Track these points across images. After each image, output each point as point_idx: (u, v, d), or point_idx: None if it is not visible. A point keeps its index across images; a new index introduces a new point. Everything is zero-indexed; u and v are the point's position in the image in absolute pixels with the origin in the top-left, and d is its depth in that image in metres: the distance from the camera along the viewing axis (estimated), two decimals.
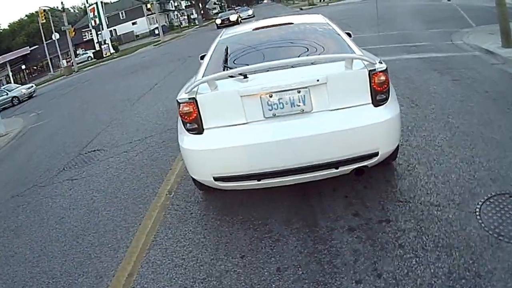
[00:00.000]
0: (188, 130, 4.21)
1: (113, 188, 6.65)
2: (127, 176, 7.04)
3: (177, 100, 4.25)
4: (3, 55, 72.34)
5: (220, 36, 5.77)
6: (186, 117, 4.15)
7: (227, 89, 4.12)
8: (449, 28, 15.33)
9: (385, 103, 4.01)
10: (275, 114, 4.00)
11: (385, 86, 3.98)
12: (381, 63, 4.06)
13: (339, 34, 4.90)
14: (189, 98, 4.10)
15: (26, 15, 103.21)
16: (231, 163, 4.05)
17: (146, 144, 8.46)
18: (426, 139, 5.81)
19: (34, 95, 34.35)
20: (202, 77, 4.37)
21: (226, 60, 4.63)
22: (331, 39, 4.83)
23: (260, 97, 3.99)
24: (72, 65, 49.98)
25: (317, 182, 4.34)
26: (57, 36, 57.58)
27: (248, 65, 4.17)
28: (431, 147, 5.54)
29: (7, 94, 33.49)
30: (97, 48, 59.89)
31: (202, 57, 5.72)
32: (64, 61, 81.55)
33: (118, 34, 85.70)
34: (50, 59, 70.93)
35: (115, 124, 11.22)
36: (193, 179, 4.77)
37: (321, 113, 3.96)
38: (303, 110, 3.97)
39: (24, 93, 33.33)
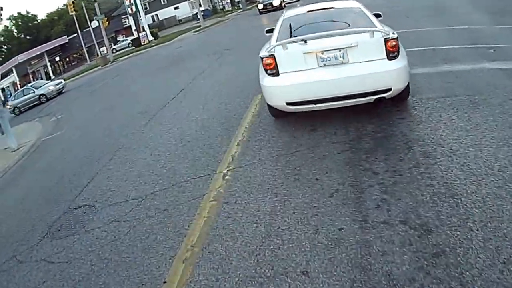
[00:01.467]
0: (269, 74, 6.79)
1: None
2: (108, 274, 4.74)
3: (260, 57, 6.89)
4: (41, 45, 72.77)
5: (284, 16, 8.03)
6: (267, 66, 6.74)
7: (294, 49, 6.56)
8: None
9: (395, 58, 6.31)
10: (325, 64, 6.47)
11: (396, 48, 6.28)
12: (393, 33, 6.38)
13: (367, 15, 7.11)
14: (269, 55, 6.67)
15: (64, 4, 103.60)
16: (297, 93, 6.63)
17: (144, 211, 5.97)
18: None
19: (63, 91, 33.00)
20: (276, 42, 6.80)
21: (291, 31, 7.01)
22: (361, 18, 7.06)
23: (316, 54, 6.47)
24: (107, 55, 48.37)
25: (352, 108, 6.81)
26: (96, 24, 56.50)
27: (306, 34, 6.57)
28: None
29: (34, 92, 32.29)
30: (136, 35, 58.74)
31: (268, 31, 9.00)
32: (104, 48, 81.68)
33: (160, 19, 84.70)
34: (89, 47, 70.48)
35: (118, 158, 8.91)
36: (269, 107, 7.42)
37: (354, 63, 6.38)
38: (342, 62, 6.41)
39: (52, 90, 31.93)
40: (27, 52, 70.40)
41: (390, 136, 6.03)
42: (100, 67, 44.94)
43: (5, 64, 73.30)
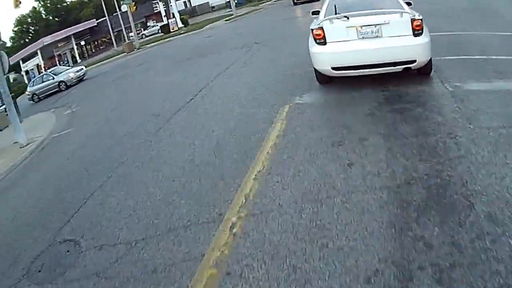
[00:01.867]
0: (317, 43, 8.41)
1: None
2: None
3: (311, 29, 8.53)
4: (68, 28, 72.74)
5: None
6: (317, 36, 8.32)
7: (338, 24, 8.13)
8: None
9: (420, 36, 7.66)
10: (363, 37, 7.96)
11: (420, 27, 7.62)
12: (419, 16, 7.70)
13: (399, 1, 8.44)
14: (319, 27, 8.28)
15: None
16: (340, 59, 8.17)
17: (130, 267, 4.80)
18: None
19: (84, 78, 32.41)
20: (324, 17, 8.46)
21: (335, 10, 8.38)
22: (394, 3, 8.36)
23: (356, 28, 7.97)
24: (133, 42, 47.63)
25: (384, 75, 8.29)
26: (125, 8, 55.73)
27: (349, 12, 8.17)
28: None
29: (53, 78, 31.81)
30: (165, 21, 57.99)
31: (313, 13, 9.92)
32: (132, 34, 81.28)
33: (192, 5, 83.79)
34: (118, 32, 70.23)
35: (117, 177, 7.84)
36: (316, 73, 9.10)
37: (386, 38, 7.81)
38: (377, 36, 7.86)
39: (72, 78, 31.29)
40: (53, 34, 70.45)
41: (447, 184, 4.70)
42: (125, 53, 44.33)
43: (30, 46, 73.49)
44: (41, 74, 35.31)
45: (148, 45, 45.40)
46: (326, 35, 8.24)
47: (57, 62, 74.67)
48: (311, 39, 8.68)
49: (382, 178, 5.08)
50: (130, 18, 46.69)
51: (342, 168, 5.53)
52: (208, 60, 19.10)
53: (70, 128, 15.10)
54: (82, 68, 33.59)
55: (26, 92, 33.49)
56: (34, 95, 32.14)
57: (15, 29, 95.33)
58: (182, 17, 57.34)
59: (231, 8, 51.93)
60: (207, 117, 9.64)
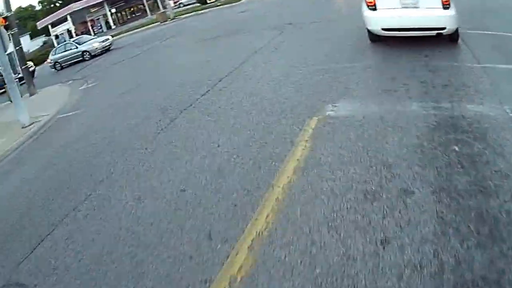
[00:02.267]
0: (370, 9, 10.17)
1: None
2: None
3: None
4: None
5: None
6: (370, 3, 10.09)
7: None
8: None
9: (448, 9, 9.14)
10: (405, 6, 9.59)
11: (448, 2, 9.09)
12: None
13: None
14: None
15: None
16: (387, 22, 9.96)
17: None
18: None
19: (111, 48, 31.37)
20: None
21: None
22: None
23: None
24: (167, 11, 46.16)
25: (422, 38, 9.76)
26: None
27: None
28: None
29: (76, 47, 30.94)
30: None
31: None
32: (171, 1, 79.79)
33: None
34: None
35: (94, 199, 6.50)
36: (368, 33, 10.83)
37: (423, 8, 9.45)
38: (415, 6, 9.50)
39: (96, 48, 30.36)
40: (84, 0, 69.47)
41: None
42: (159, 23, 43.02)
43: (59, 11, 72.82)
44: (65, 42, 34.42)
45: (182, 16, 43.85)
46: (376, 3, 10.12)
47: (90, 27, 74.14)
48: (364, 6, 10.53)
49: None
50: None
51: (373, 247, 3.87)
52: (236, 41, 17.60)
53: (77, 109, 14.18)
54: (108, 39, 32.45)
55: (48, 60, 32.79)
56: (57, 63, 31.55)
57: None
58: None
59: None
60: (217, 123, 8.12)
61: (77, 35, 67.79)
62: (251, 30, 19.26)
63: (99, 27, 74.26)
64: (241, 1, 41.01)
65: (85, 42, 31.42)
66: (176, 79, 13.15)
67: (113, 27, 70.33)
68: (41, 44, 76.32)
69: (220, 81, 11.07)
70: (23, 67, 19.87)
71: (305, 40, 13.94)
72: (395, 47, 10.21)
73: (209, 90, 10.46)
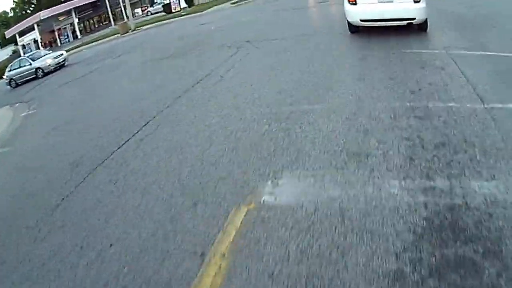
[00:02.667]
0: (351, 4, 11.52)
1: None
2: None
3: None
4: (69, 2, 69.38)
5: None
6: (350, 0, 11.55)
7: None
8: None
9: (418, 3, 10.45)
10: (381, 1, 10.89)
11: None
12: None
13: None
14: None
15: None
16: (365, 14, 11.36)
17: None
18: None
19: (65, 63, 29.08)
20: None
21: None
22: None
23: None
24: (128, 22, 43.93)
25: (396, 27, 11.16)
26: None
27: None
28: None
29: (30, 64, 28.45)
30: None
31: None
32: (139, 10, 77.39)
33: None
34: (122, 8, 66.47)
35: None
36: (349, 24, 12.36)
37: (397, 2, 10.73)
38: (390, 1, 10.76)
39: (49, 64, 27.86)
40: (52, 8, 66.61)
41: None
42: (119, 35, 40.85)
43: (27, 20, 69.80)
44: (19, 58, 31.96)
45: (144, 27, 41.65)
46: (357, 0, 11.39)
47: (57, 36, 71.62)
48: (345, 1, 11.81)
49: None
50: None
51: None
52: (184, 62, 15.51)
53: (4, 146, 12.17)
54: (62, 54, 29.88)
55: (4, 77, 30.50)
56: (12, 81, 29.16)
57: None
58: None
59: None
60: (112, 205, 5.95)
61: (44, 44, 65.25)
62: (204, 49, 17.19)
63: (66, 37, 71.67)
64: (203, 12, 39.15)
65: (39, 58, 28.96)
66: (105, 116, 11.05)
67: (79, 36, 67.79)
68: (10, 53, 73.23)
69: (146, 124, 8.98)
70: None
71: (260, 66, 11.90)
72: (374, 83, 8.09)
73: (128, 140, 8.37)
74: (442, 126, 5.76)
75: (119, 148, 8.11)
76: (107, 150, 8.15)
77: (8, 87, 29.36)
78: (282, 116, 7.44)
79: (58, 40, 70.76)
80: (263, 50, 13.98)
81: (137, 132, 8.71)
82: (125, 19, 50.32)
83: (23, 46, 70.58)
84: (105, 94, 14.51)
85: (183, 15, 42.38)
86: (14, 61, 31.37)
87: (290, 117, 7.31)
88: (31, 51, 64.48)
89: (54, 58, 28.61)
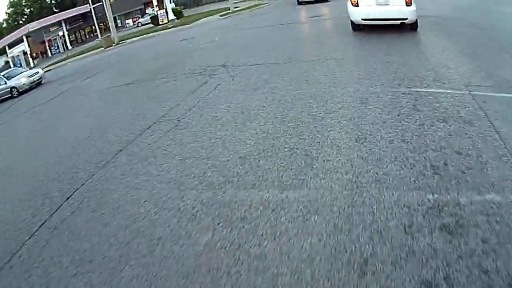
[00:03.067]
0: (353, 6, 13.82)
1: None
2: None
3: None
4: (59, 13, 67.44)
5: None
6: (354, 2, 13.76)
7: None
8: None
9: (410, 6, 12.53)
10: (379, 4, 13.13)
11: (410, 1, 12.43)
12: None
13: None
14: None
15: None
16: (366, 14, 13.59)
17: None
18: None
19: (42, 81, 26.82)
20: None
21: None
22: None
23: None
24: (112, 36, 41.35)
25: (391, 26, 13.24)
26: None
27: None
28: None
29: (5, 83, 26.10)
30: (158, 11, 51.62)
31: None
32: (130, 20, 74.93)
33: None
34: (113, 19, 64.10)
35: None
36: (351, 23, 14.42)
37: (392, 5, 12.89)
38: (387, 3, 12.99)
39: (24, 83, 25.59)
40: (41, 20, 64.33)
41: None
42: (102, 48, 38.40)
43: (16, 32, 67.50)
44: None
45: (128, 40, 39.18)
46: (359, 2, 13.55)
47: (48, 47, 69.41)
48: (349, 4, 13.98)
49: None
50: (107, 12, 40.39)
51: None
52: (145, 93, 13.01)
53: None
54: (38, 72, 27.41)
55: None
56: None
57: (9, 11, 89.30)
58: (176, 8, 50.88)
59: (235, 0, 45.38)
60: None
61: (33, 56, 62.93)
62: (176, 72, 14.77)
63: (56, 48, 69.28)
64: (190, 25, 36.81)
65: (15, 77, 26.52)
66: (44, 169, 8.47)
67: (70, 47, 65.48)
68: (3, 64, 71.12)
69: (71, 196, 6.51)
70: None
71: (226, 106, 9.37)
72: (380, 154, 5.55)
73: (46, 221, 5.96)
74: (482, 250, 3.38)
75: (36, 230, 5.70)
76: (22, 235, 5.72)
77: None
78: (234, 216, 4.84)
79: (48, 51, 68.47)
80: (237, 80, 11.52)
81: (58, 209, 6.26)
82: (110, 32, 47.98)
83: (13, 58, 68.33)
84: (57, 132, 11.83)
85: (170, 27, 39.97)
86: None
87: (245, 219, 4.76)
88: (20, 62, 62.20)
89: (29, 76, 26.26)
